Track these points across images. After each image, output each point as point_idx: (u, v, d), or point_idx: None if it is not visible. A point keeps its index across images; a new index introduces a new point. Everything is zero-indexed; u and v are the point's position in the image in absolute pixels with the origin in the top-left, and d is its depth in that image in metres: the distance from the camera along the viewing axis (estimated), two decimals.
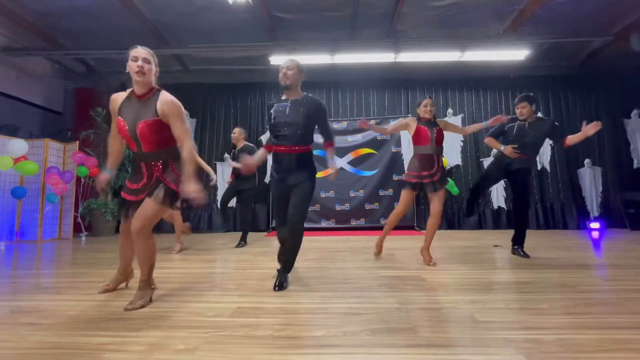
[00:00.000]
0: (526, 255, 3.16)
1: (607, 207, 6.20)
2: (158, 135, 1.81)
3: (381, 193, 6.35)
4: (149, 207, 1.81)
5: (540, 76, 6.60)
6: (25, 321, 1.65)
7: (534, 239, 4.61)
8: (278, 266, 2.40)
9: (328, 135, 2.36)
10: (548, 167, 6.40)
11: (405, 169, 6.31)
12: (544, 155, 6.44)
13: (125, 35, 5.56)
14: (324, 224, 6.28)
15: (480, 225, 6.32)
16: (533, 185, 6.21)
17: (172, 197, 1.86)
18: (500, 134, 3.30)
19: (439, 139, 2.96)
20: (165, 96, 1.83)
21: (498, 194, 6.37)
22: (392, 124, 3.04)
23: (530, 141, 3.12)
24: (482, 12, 5.01)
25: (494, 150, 6.32)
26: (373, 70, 6.51)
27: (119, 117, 1.82)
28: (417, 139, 3.00)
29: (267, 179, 6.50)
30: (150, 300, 1.93)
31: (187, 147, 1.83)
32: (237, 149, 4.32)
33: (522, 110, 3.12)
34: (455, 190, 6.21)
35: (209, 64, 6.69)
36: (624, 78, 6.43)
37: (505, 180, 3.27)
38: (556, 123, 3.25)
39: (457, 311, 1.72)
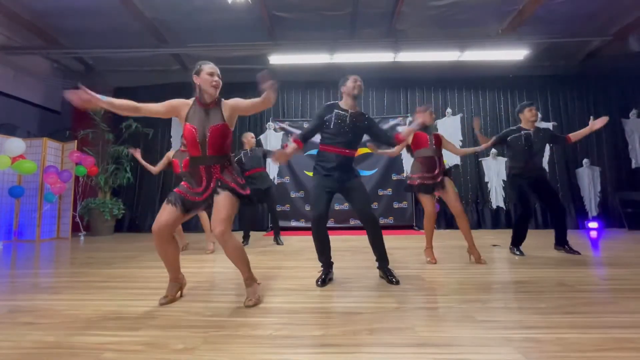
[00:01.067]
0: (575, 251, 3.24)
1: (606, 206, 6.22)
2: (222, 140, 1.96)
3: (380, 193, 6.35)
4: (222, 208, 1.87)
5: (539, 76, 6.61)
6: (24, 321, 1.64)
7: (532, 238, 4.61)
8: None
9: (388, 135, 2.50)
10: (546, 167, 6.41)
11: (405, 170, 6.35)
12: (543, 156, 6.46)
13: (124, 34, 5.55)
14: None
15: (479, 225, 6.33)
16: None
17: (234, 193, 1.93)
18: (501, 143, 3.35)
19: (438, 143, 3.05)
20: (227, 103, 2.00)
21: (497, 194, 6.38)
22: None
23: (538, 150, 3.22)
24: (481, 11, 5.01)
25: (494, 150, 6.35)
26: (372, 70, 6.50)
27: (188, 124, 1.93)
28: (416, 143, 3.07)
29: None
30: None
31: (260, 100, 1.93)
32: (248, 149, 4.39)
33: (534, 112, 3.21)
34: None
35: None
36: (623, 78, 6.45)
37: (535, 192, 3.26)
38: (552, 130, 3.35)
39: (456, 310, 1.72)
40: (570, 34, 5.46)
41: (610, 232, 5.45)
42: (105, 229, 5.93)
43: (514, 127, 3.32)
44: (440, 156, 3.03)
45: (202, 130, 1.91)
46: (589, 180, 6.23)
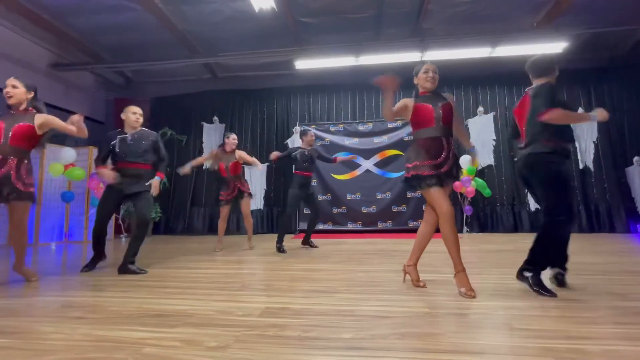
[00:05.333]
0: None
1: None
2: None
3: (409, 195, 6.22)
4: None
5: (581, 69, 6.19)
6: (75, 315, 1.78)
7: (577, 242, 4.31)
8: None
9: None
10: (591, 166, 5.98)
11: None
12: (587, 154, 6.02)
13: (159, 47, 5.89)
14: (350, 227, 6.25)
15: (515, 229, 6.01)
16: None
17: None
18: None
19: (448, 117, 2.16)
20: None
21: None
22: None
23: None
24: (513, 5, 4.80)
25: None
26: (399, 71, 6.41)
27: None
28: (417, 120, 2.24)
29: None
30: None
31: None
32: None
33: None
34: (487, 191, 5.96)
35: (237, 71, 6.91)
36: None
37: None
38: None
39: (491, 317, 1.65)
40: (613, 22, 5.07)
41: None
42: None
43: None
44: (450, 136, 2.27)
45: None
46: None
